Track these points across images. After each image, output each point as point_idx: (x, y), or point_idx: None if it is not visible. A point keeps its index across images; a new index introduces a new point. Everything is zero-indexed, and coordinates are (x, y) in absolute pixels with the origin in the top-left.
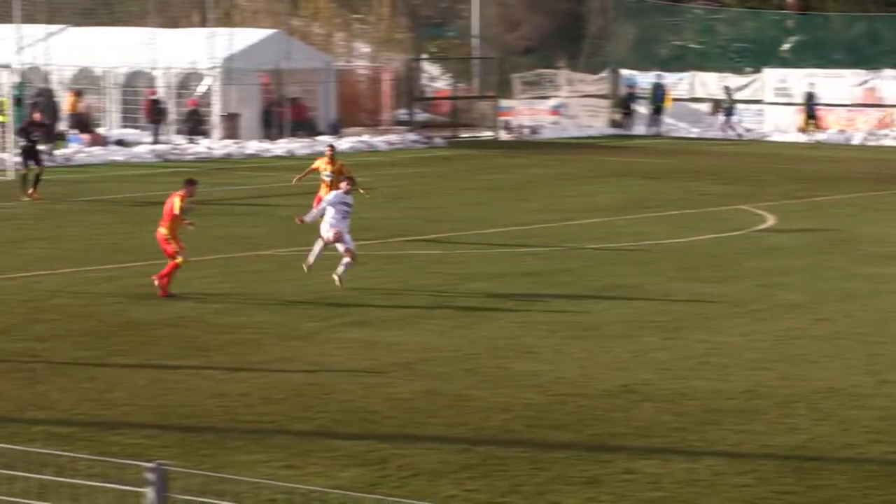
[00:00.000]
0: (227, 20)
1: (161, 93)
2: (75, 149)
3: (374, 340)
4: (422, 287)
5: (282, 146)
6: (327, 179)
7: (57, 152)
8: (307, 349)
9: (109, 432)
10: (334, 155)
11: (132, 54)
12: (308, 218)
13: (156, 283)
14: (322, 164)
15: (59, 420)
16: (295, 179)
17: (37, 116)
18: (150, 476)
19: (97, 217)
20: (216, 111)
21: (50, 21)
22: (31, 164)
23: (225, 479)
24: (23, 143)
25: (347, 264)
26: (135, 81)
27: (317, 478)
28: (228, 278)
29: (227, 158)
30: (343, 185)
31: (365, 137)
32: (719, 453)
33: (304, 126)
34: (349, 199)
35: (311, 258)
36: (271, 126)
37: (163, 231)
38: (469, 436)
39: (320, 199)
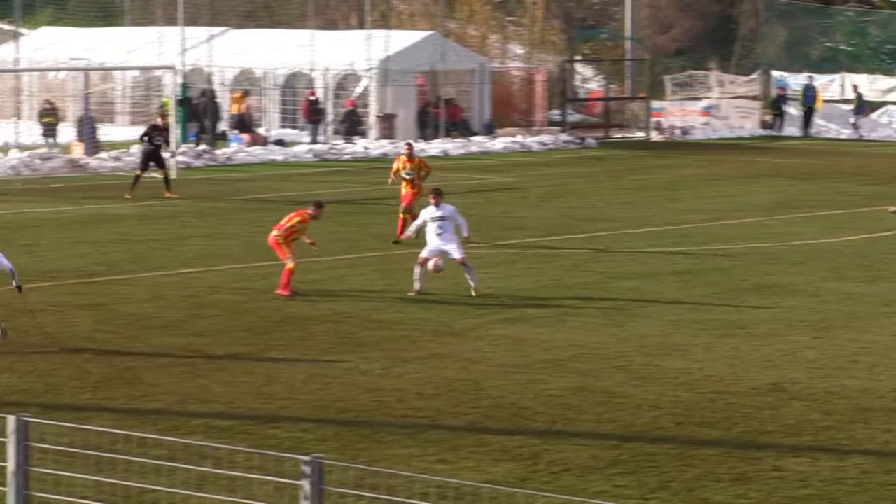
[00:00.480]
0: (383, 22)
1: (319, 93)
2: (235, 148)
3: (526, 337)
4: (573, 285)
5: (437, 146)
6: (408, 178)
7: (218, 152)
8: (460, 346)
9: (267, 426)
10: (412, 153)
11: (291, 56)
12: (410, 233)
13: (282, 297)
14: (401, 164)
15: (219, 413)
16: (390, 180)
17: (160, 121)
18: (306, 469)
19: (256, 215)
20: (373, 112)
21: (212, 23)
22: (153, 165)
23: (379, 472)
24: (144, 146)
25: (470, 273)
26: (294, 82)
27: (469, 472)
28: (384, 276)
29: (382, 158)
30: (431, 199)
31: (518, 138)
32: (867, 452)
33: (459, 126)
34: (441, 211)
35: (417, 283)
36: (426, 126)
37: (275, 234)
38: (619, 432)
39: (405, 198)
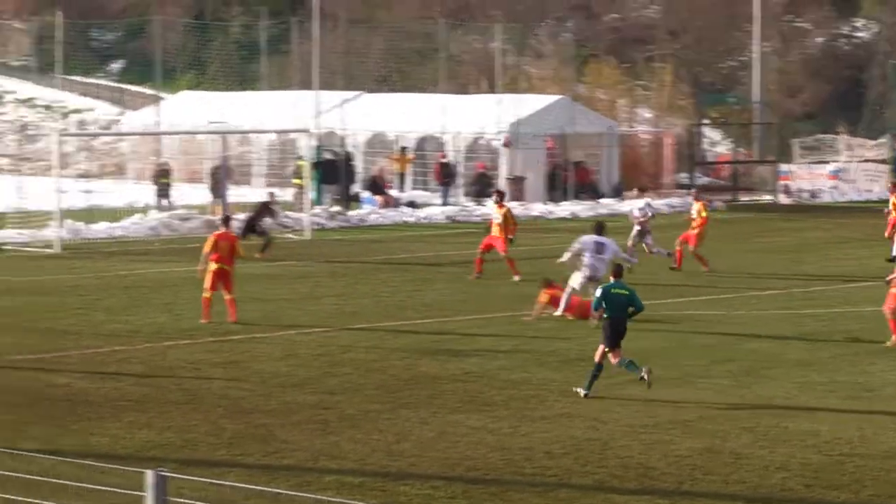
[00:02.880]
0: (513, 86)
1: (450, 156)
2: (368, 210)
3: (654, 398)
4: (701, 346)
5: (565, 208)
6: (497, 221)
7: (351, 213)
8: (588, 405)
9: (397, 483)
10: (502, 200)
11: (423, 119)
12: (565, 258)
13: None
14: (494, 210)
15: (350, 470)
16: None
17: (270, 196)
18: None
19: (388, 275)
20: (503, 174)
21: (346, 87)
22: (252, 235)
23: None
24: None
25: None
26: (425, 145)
27: None
28: (513, 336)
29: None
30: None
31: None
32: None
33: (588, 189)
34: (602, 238)
35: (562, 306)
36: (555, 189)
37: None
38: (746, 493)
39: (490, 238)
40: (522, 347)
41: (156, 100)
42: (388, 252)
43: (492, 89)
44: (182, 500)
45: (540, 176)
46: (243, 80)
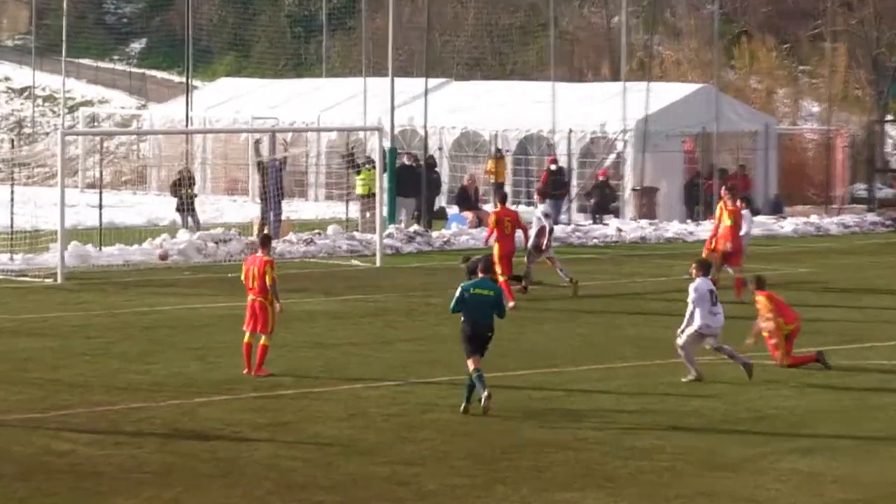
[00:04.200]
0: (642, 73)
1: (562, 161)
2: (455, 230)
3: (821, 472)
4: (883, 406)
5: (708, 228)
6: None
7: (434, 234)
8: (736, 481)
9: None
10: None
11: (527, 114)
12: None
13: None
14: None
15: None
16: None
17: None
18: None
19: None
20: (628, 184)
21: (429, 74)
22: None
23: None
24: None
25: (728, 352)
26: (529, 147)
27: None
28: (639, 391)
29: (640, 243)
30: (693, 270)
31: (813, 218)
32: None
33: (746, 203)
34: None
35: (693, 371)
36: (696, 203)
37: None
38: None
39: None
40: (653, 406)
41: (186, 89)
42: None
43: (615, 76)
44: None
45: (676, 187)
46: (297, 64)
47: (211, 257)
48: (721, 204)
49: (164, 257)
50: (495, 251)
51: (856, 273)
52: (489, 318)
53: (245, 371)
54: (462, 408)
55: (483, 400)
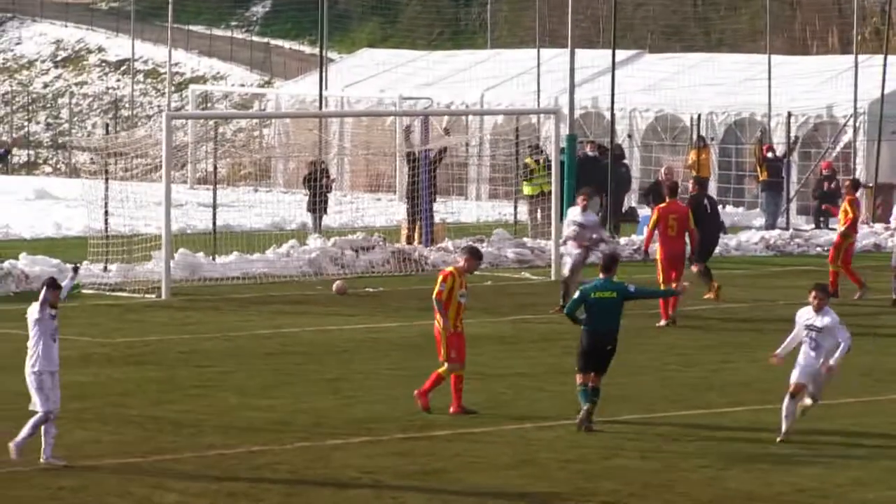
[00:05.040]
0: (878, 43)
1: (778, 151)
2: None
3: None
4: None
5: None
6: None
7: (622, 241)
8: None
9: None
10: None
11: (736, 94)
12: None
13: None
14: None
15: None
16: None
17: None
18: None
19: (674, 337)
20: (861, 178)
21: (617, 46)
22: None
23: None
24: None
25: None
26: (740, 133)
27: None
28: (869, 431)
29: (874, 251)
30: (813, 298)
31: None
32: None
33: None
34: (823, 319)
35: (785, 425)
36: None
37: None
38: None
39: None
40: (887, 451)
41: (319, 63)
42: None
43: (844, 47)
44: None
45: None
46: (456, 32)
47: (349, 268)
48: None
49: (342, 291)
50: (658, 256)
51: None
52: (611, 325)
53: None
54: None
55: (582, 414)
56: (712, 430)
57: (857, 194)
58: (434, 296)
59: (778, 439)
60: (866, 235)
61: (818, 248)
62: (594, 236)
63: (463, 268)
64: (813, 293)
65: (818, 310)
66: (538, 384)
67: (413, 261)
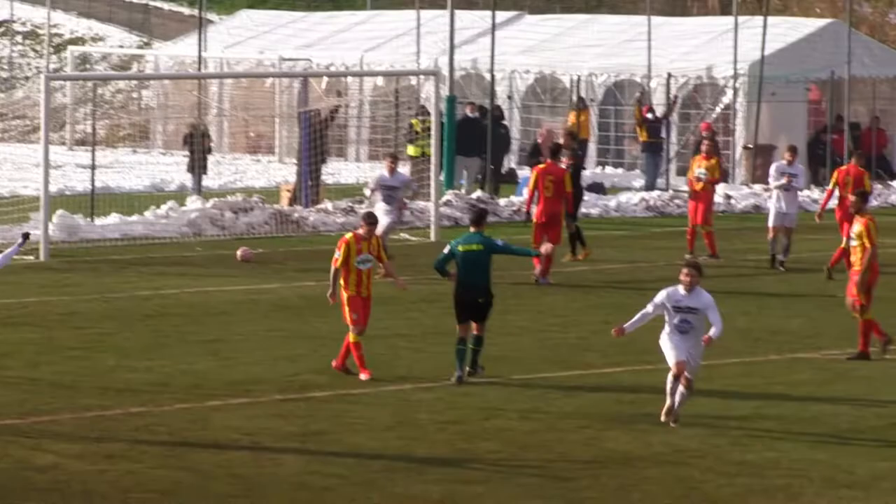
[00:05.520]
0: (758, 5)
1: (658, 112)
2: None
3: None
4: None
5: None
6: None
7: (501, 202)
8: (866, 502)
9: None
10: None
11: (617, 55)
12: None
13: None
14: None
15: None
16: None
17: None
18: None
19: (557, 297)
20: (739, 141)
21: (497, 6)
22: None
23: None
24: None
25: (683, 399)
26: (620, 95)
27: None
28: (749, 392)
29: (753, 213)
30: (683, 276)
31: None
32: None
33: (877, 164)
34: (694, 300)
35: (669, 401)
36: (822, 164)
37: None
38: None
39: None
40: (765, 411)
41: (199, 24)
42: (558, 263)
43: (725, 8)
44: None
45: (798, 144)
46: None
47: (228, 230)
48: None
49: (247, 258)
50: (534, 216)
51: None
52: (479, 278)
53: (335, 364)
54: (455, 378)
55: (458, 376)
56: (592, 390)
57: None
58: (335, 265)
59: (662, 418)
60: (746, 196)
61: None
62: (409, 194)
63: (361, 234)
64: (685, 271)
65: (690, 289)
66: (417, 345)
67: (292, 221)
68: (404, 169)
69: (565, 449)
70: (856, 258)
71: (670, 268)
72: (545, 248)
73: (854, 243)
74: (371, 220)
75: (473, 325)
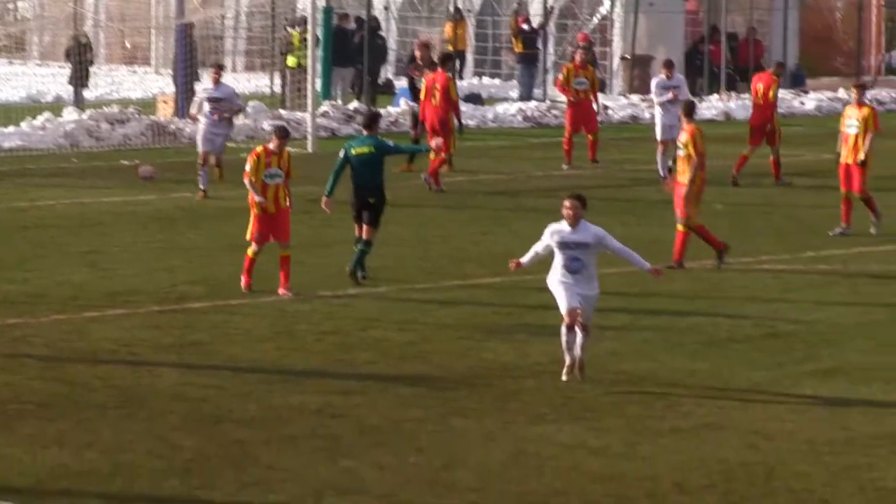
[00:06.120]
0: None
1: (534, 21)
2: (404, 107)
3: (847, 400)
4: None
5: (713, 105)
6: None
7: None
8: (745, 412)
9: None
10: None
11: None
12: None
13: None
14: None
15: None
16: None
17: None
18: None
19: (435, 210)
20: (616, 52)
21: None
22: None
23: None
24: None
25: (584, 341)
26: (498, 6)
27: None
28: (627, 304)
29: (631, 123)
30: (567, 208)
31: (841, 93)
32: None
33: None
34: (578, 234)
35: (568, 357)
36: (699, 74)
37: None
38: None
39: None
40: (644, 322)
41: None
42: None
43: None
44: None
45: (675, 55)
46: None
47: (105, 141)
48: None
49: (147, 176)
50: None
51: (893, 161)
52: (371, 179)
53: (244, 287)
54: (348, 270)
55: (350, 272)
56: (470, 301)
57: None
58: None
59: (564, 377)
60: (623, 107)
61: None
62: (233, 107)
63: (271, 148)
64: (567, 203)
65: (574, 222)
66: (296, 256)
67: (170, 133)
68: (229, 81)
69: (443, 360)
70: (682, 167)
71: (547, 179)
72: (435, 142)
73: (681, 153)
74: (282, 133)
75: (365, 227)
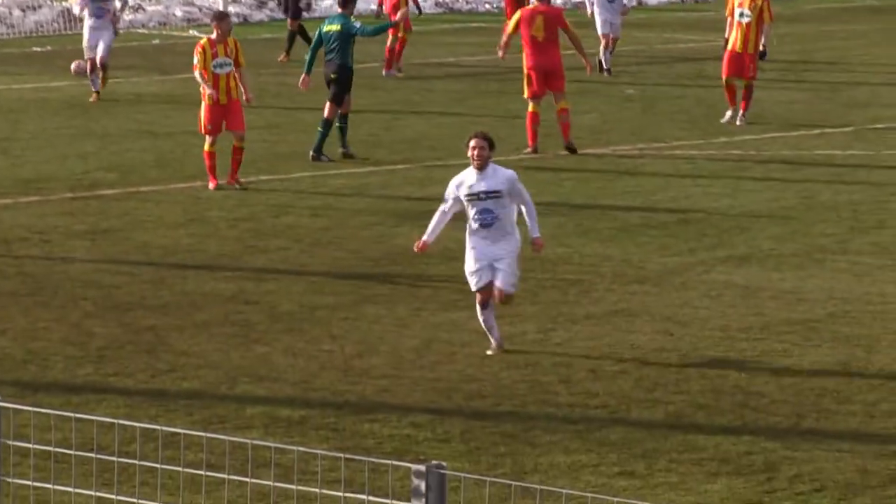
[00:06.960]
0: None
1: None
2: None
3: (760, 285)
4: (834, 205)
5: None
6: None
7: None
8: (658, 297)
9: (360, 417)
10: None
11: None
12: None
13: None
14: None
15: (287, 399)
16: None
17: None
18: (418, 483)
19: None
20: None
21: None
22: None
23: (531, 489)
24: None
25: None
26: None
27: (669, 492)
28: (538, 190)
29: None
30: (472, 149)
31: None
32: None
33: None
34: (487, 181)
35: (493, 336)
36: None
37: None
38: None
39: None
40: (555, 208)
41: None
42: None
43: None
44: (24, 444)
45: None
46: None
47: (17, 28)
48: None
49: (80, 71)
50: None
51: (801, 44)
52: (333, 56)
53: (210, 185)
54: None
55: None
56: (382, 188)
57: None
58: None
59: (489, 352)
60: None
61: (487, 5)
62: (117, 6)
63: (214, 38)
64: (472, 143)
65: (482, 166)
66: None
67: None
68: None
69: (356, 246)
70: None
71: (461, 67)
72: (401, 13)
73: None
74: (219, 17)
75: (327, 104)
